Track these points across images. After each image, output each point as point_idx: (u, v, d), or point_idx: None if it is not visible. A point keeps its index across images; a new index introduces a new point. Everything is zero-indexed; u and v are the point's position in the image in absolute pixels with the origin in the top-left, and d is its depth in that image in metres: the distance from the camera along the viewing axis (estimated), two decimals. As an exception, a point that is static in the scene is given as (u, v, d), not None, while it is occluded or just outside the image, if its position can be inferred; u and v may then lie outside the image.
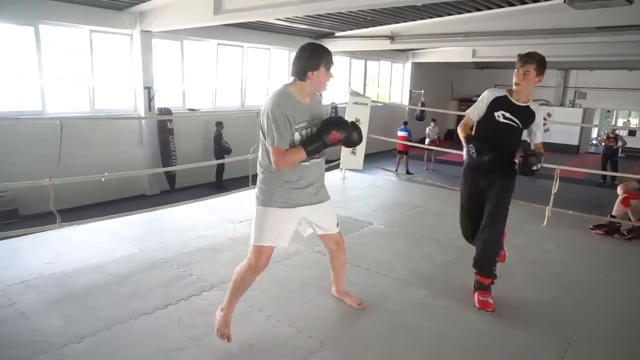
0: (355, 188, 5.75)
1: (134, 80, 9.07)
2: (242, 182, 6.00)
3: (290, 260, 3.38)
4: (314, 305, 2.75)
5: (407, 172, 11.51)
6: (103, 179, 4.18)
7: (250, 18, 7.34)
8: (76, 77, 8.49)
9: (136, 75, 9.02)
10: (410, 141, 11.18)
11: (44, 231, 3.67)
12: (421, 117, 13.82)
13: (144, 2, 7.86)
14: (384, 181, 6.66)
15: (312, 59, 2.14)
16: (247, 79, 11.38)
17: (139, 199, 9.05)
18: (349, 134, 2.21)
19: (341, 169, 6.21)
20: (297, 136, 2.18)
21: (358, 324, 2.55)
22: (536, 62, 2.56)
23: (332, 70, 2.21)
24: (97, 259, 3.27)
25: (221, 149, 10.03)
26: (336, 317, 2.65)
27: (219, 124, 10.07)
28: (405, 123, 12.62)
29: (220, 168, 10.22)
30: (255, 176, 5.51)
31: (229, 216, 4.36)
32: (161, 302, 2.68)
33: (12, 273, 2.94)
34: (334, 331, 2.50)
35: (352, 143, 2.28)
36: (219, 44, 10.41)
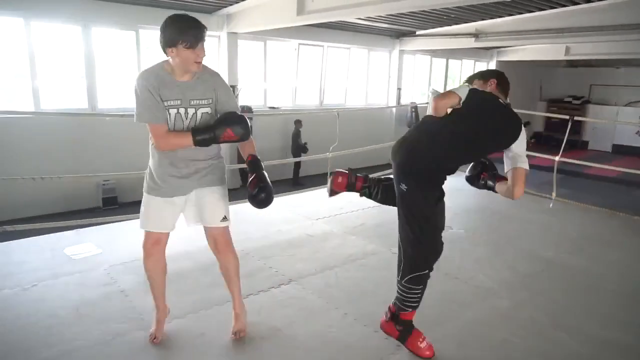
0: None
1: (221, 80, 9.56)
2: (319, 179, 6.10)
3: (366, 260, 3.39)
4: (385, 305, 2.72)
5: None
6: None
7: (333, 18, 7.41)
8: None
9: (222, 74, 9.48)
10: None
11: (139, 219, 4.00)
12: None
13: (232, 5, 8.24)
14: (464, 184, 6.39)
15: (166, 34, 1.91)
16: (326, 78, 11.52)
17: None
18: (242, 135, 2.02)
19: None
20: (172, 114, 2.02)
21: (437, 330, 2.49)
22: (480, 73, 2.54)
23: (201, 46, 1.93)
24: (186, 247, 3.49)
25: (298, 147, 10.27)
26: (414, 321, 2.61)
27: (298, 122, 10.30)
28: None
29: (298, 165, 10.46)
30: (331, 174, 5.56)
31: (306, 213, 4.46)
32: (243, 291, 2.78)
33: (115, 255, 3.24)
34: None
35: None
36: (300, 44, 10.64)
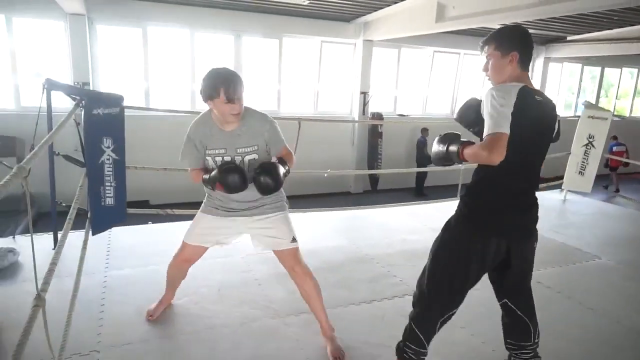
0: (579, 214, 5.03)
1: (352, 86, 9.80)
2: (444, 191, 5.90)
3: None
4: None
5: (616, 190, 10.42)
6: (326, 175, 4.65)
7: (474, 24, 7.11)
8: (304, 82, 9.62)
9: (354, 81, 9.73)
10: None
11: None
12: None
13: (370, 13, 8.40)
14: (615, 209, 5.64)
15: (206, 88, 1.95)
16: (459, 87, 11.09)
17: (344, 195, 9.77)
18: (228, 188, 1.97)
19: (562, 190, 5.52)
20: (210, 161, 2.09)
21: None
22: (495, 40, 1.78)
23: (237, 99, 1.95)
24: (313, 245, 3.65)
25: (423, 156, 10.05)
26: (551, 354, 2.37)
27: (424, 130, 10.09)
28: (615, 137, 10.69)
29: (422, 175, 10.24)
30: (464, 185, 5.35)
31: (431, 224, 4.33)
32: (367, 296, 2.84)
33: (249, 246, 3.52)
34: None
35: (228, 189, 2.00)
36: (435, 51, 10.41)
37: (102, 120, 2.91)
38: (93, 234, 3.00)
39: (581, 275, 3.38)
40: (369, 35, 9.11)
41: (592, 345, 2.43)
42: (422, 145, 10.12)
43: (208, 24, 8.26)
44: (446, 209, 5.02)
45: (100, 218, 3.06)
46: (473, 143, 1.73)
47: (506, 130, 1.58)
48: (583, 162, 5.10)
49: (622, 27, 8.66)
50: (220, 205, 2.22)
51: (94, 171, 2.96)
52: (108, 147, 2.99)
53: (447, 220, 1.90)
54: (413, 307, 1.97)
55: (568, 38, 10.29)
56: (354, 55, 9.65)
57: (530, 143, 1.71)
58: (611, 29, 8.90)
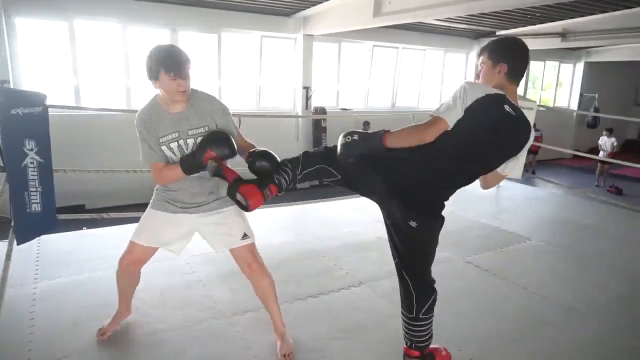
0: (512, 199, 5.32)
1: (295, 81, 9.77)
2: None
3: (438, 267, 3.28)
4: (464, 317, 2.63)
5: (533, 172, 11.12)
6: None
7: (410, 19, 7.31)
8: (245, 77, 9.46)
9: (296, 76, 9.71)
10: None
11: (218, 213, 4.19)
12: (593, 124, 12.22)
13: (309, 7, 8.39)
14: (548, 194, 6.03)
15: (151, 65, 1.86)
16: (399, 80, 11.37)
17: (290, 190, 9.72)
18: (222, 153, 1.89)
19: (496, 177, 5.81)
20: (166, 151, 1.96)
21: (515, 347, 2.36)
22: (488, 49, 1.85)
23: (184, 75, 1.87)
24: (259, 242, 3.58)
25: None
26: (489, 334, 2.49)
27: (366, 124, 10.27)
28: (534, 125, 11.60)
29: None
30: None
31: (378, 216, 4.40)
32: (314, 290, 2.85)
33: (194, 246, 3.42)
34: (483, 349, 2.35)
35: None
36: (374, 45, 10.60)
37: (23, 121, 2.69)
38: (18, 244, 2.77)
39: (515, 257, 3.58)
40: (309, 29, 9.11)
41: (529, 324, 2.57)
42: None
43: (141, 18, 7.89)
44: (389, 200, 5.14)
45: (25, 226, 2.83)
46: (386, 132, 1.78)
47: (448, 120, 1.69)
48: (514, 150, 5.39)
49: (544, 22, 9.24)
50: (172, 199, 2.08)
51: (15, 176, 2.73)
52: (31, 150, 2.77)
53: None
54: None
55: (497, 33, 10.83)
56: (295, 50, 9.62)
57: (471, 145, 1.75)
58: (535, 24, 9.47)
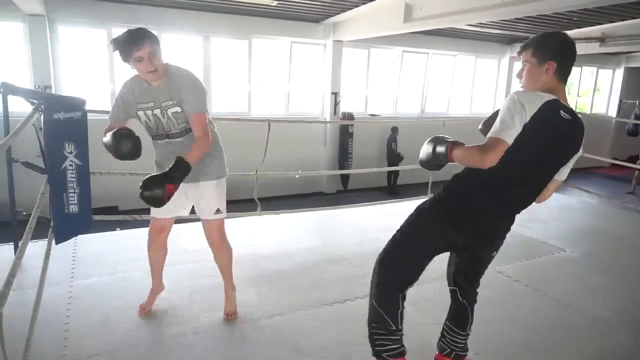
0: (545, 208, 5.16)
1: (323, 86, 9.82)
2: (416, 189, 5.98)
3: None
4: (493, 328, 2.57)
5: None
6: (297, 176, 4.64)
7: (441, 25, 7.24)
8: (275, 83, 9.58)
9: (325, 81, 9.75)
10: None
11: (247, 216, 4.25)
12: (635, 132, 11.73)
13: (338, 14, 8.43)
14: (579, 203, 5.84)
15: (119, 52, 2.05)
16: (429, 86, 11.26)
17: (317, 195, 9.78)
18: (112, 146, 2.09)
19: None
20: (142, 115, 2.21)
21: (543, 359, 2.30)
22: (533, 46, 1.68)
23: (148, 57, 2.02)
24: (286, 247, 3.64)
25: (392, 155, 10.18)
26: (517, 345, 2.43)
27: (394, 129, 10.22)
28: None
29: (394, 174, 10.36)
30: (433, 184, 5.40)
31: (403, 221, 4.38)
32: (340, 296, 2.85)
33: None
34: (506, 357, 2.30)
35: (119, 156, 2.12)
36: (404, 51, 10.55)
37: (63, 125, 2.80)
38: (57, 243, 2.89)
39: (547, 268, 3.48)
40: (339, 35, 9.15)
41: (558, 336, 2.50)
42: (392, 143, 10.25)
43: (175, 25, 8.12)
44: (416, 205, 5.09)
45: (64, 226, 2.95)
46: (462, 144, 1.66)
47: (509, 140, 1.55)
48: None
49: (581, 27, 8.98)
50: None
51: (55, 178, 2.85)
52: (70, 153, 2.88)
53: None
54: (372, 286, 2.00)
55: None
56: (324, 55, 9.68)
57: (539, 159, 1.65)
58: (571, 29, 9.21)
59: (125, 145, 2.09)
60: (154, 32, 2.19)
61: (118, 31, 2.20)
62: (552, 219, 4.75)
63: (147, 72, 2.07)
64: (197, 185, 2.31)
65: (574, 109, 1.66)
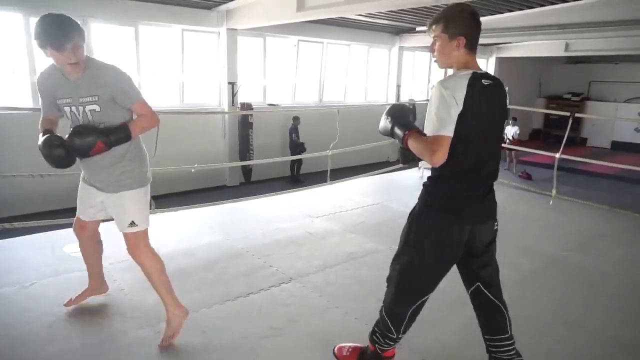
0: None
1: (220, 76, 9.52)
2: (319, 177, 6.10)
3: (366, 258, 3.38)
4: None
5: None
6: (193, 170, 4.45)
7: (333, 14, 7.40)
8: (167, 73, 9.06)
9: (221, 71, 9.46)
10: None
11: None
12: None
13: (231, 0, 8.20)
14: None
15: (40, 40, 1.88)
16: (325, 75, 11.49)
17: (220, 189, 9.52)
18: (48, 156, 2.00)
19: (419, 168, 6.07)
20: (66, 112, 2.07)
21: (438, 329, 2.48)
22: (442, 22, 1.73)
23: (70, 48, 1.86)
24: (186, 244, 3.48)
25: (294, 144, 10.28)
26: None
27: (296, 119, 10.30)
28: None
29: (296, 162, 10.45)
30: (332, 171, 5.53)
31: (306, 210, 4.44)
32: (243, 290, 2.80)
33: (113, 252, 3.22)
34: (411, 334, 2.44)
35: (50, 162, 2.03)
36: (299, 40, 10.61)
37: None
38: None
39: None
40: (233, 23, 8.90)
41: (441, 302, 2.70)
42: (291, 132, 10.33)
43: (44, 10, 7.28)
44: (320, 193, 5.22)
45: None
46: (417, 130, 1.76)
47: (450, 133, 1.61)
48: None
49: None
50: (85, 175, 2.25)
51: None
52: None
53: (411, 210, 1.87)
54: (387, 288, 1.97)
55: (417, 29, 11.29)
56: (219, 44, 9.35)
57: (486, 132, 1.72)
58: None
59: (57, 153, 1.98)
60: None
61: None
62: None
63: (71, 63, 1.91)
64: (112, 197, 2.17)
65: (487, 72, 1.75)
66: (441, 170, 1.71)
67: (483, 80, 1.68)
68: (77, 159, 2.09)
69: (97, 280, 2.53)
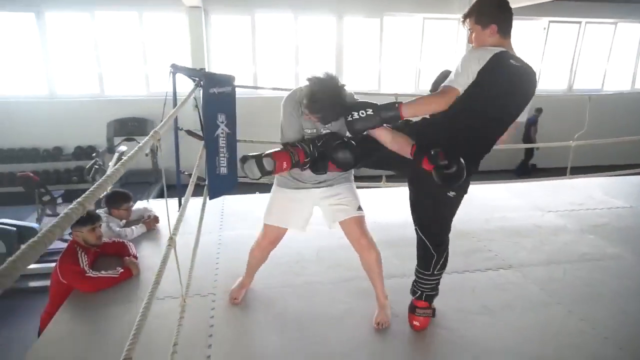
0: None
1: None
2: (554, 171, 5.55)
3: (604, 263, 2.99)
4: (629, 316, 2.37)
5: None
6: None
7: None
8: (406, 60, 9.46)
9: (457, 57, 9.37)
10: None
11: (372, 188, 4.40)
12: None
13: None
14: None
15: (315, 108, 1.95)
16: (579, 60, 10.10)
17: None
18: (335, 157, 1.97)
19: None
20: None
21: None
22: (475, 12, 1.87)
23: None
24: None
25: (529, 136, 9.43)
26: None
27: (538, 110, 9.41)
28: None
29: (530, 153, 9.62)
30: (574, 170, 4.95)
31: (537, 203, 4.14)
32: (460, 267, 2.86)
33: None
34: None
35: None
36: (550, 22, 9.57)
37: (217, 98, 3.26)
38: (210, 199, 3.40)
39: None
40: (475, 8, 8.68)
41: None
42: (532, 125, 9.47)
43: (310, 7, 8.53)
44: (555, 187, 4.76)
45: (215, 185, 3.45)
46: (400, 103, 1.85)
47: (460, 88, 1.79)
48: None
49: None
50: (293, 178, 2.25)
51: (210, 144, 3.34)
52: (222, 122, 3.34)
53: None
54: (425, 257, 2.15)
55: None
56: (458, 31, 9.27)
57: (495, 103, 1.85)
58: None
59: (343, 155, 1.99)
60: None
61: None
62: None
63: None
64: (333, 189, 2.24)
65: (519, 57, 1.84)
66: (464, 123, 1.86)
67: (511, 60, 1.79)
68: None
69: (252, 278, 2.60)
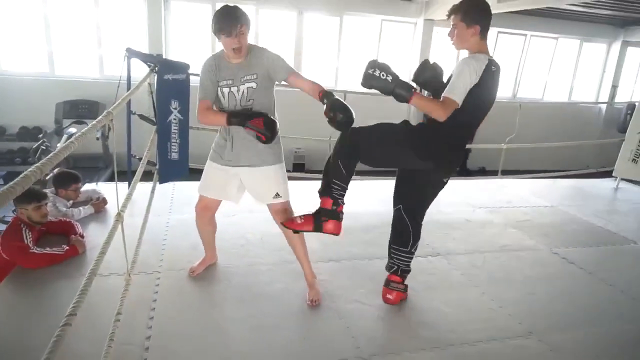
0: (629, 202, 4.93)
1: (410, 66, 9.81)
2: (491, 174, 5.95)
3: (521, 253, 3.33)
4: (535, 299, 2.70)
5: None
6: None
7: (540, 5, 6.95)
8: (362, 59, 9.74)
9: (413, 61, 9.75)
10: None
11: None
12: None
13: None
14: None
15: (211, 24, 2.13)
16: (523, 70, 10.75)
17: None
18: (265, 133, 2.10)
19: (615, 178, 5.39)
20: (219, 93, 2.25)
21: (574, 330, 2.39)
22: (462, 10, 2.05)
23: (236, 34, 2.09)
24: (353, 209, 3.94)
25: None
26: (554, 315, 2.54)
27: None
28: None
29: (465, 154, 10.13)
30: (505, 173, 5.30)
31: (470, 200, 4.48)
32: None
33: (294, 205, 3.89)
34: (548, 327, 2.42)
35: (266, 141, 2.14)
36: (499, 32, 10.14)
37: (171, 85, 3.35)
38: (160, 183, 3.49)
39: (610, 257, 3.44)
40: (430, 14, 9.05)
41: (596, 313, 2.57)
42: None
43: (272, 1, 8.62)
44: (487, 186, 5.12)
45: (166, 170, 3.54)
46: (416, 90, 2.01)
47: (459, 100, 1.97)
48: (638, 149, 4.97)
49: None
50: (222, 154, 2.36)
51: (162, 128, 3.42)
52: (175, 109, 3.44)
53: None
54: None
55: (650, 20, 9.63)
56: (414, 35, 9.62)
57: (486, 105, 2.11)
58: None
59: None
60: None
61: (220, 5, 2.45)
62: (634, 214, 4.53)
63: (235, 47, 2.14)
64: (257, 170, 2.33)
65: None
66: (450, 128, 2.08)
67: (492, 67, 2.02)
68: (227, 139, 2.32)
69: (212, 252, 2.76)
